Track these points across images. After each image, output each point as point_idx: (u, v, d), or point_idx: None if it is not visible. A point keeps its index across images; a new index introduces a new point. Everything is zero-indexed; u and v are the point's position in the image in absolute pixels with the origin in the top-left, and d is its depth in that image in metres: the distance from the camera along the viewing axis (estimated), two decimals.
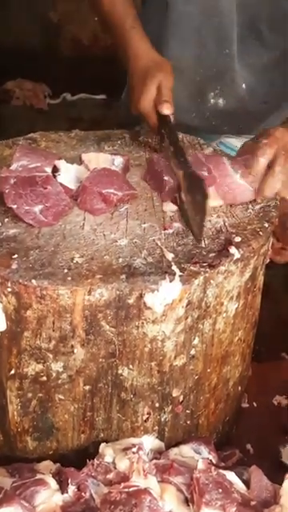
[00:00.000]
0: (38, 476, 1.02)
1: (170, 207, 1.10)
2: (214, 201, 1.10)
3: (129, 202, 1.12)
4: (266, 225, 1.06)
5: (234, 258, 0.99)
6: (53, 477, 1.03)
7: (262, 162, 1.09)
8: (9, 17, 3.38)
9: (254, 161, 1.09)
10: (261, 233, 1.04)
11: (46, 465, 1.07)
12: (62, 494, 1.00)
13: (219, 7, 1.38)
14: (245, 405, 1.37)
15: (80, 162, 1.21)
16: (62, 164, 1.15)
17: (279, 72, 1.46)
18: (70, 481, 1.01)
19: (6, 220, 1.06)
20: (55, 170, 1.13)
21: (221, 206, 1.12)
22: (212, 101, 1.50)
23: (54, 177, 1.11)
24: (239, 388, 1.22)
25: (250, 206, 1.12)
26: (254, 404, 1.39)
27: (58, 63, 3.33)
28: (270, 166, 1.09)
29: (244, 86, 1.49)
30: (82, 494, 1.00)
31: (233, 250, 0.99)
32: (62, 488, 1.01)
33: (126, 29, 1.34)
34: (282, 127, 1.14)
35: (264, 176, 1.09)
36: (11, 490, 0.99)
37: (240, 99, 1.50)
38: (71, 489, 1.00)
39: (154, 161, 1.18)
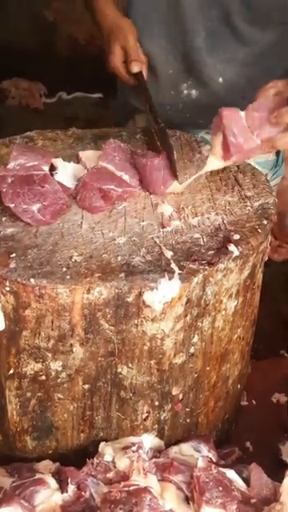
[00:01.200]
0: (38, 476, 1.02)
1: (166, 208, 1.10)
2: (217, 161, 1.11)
3: (126, 199, 1.12)
4: (265, 222, 1.06)
5: (233, 256, 0.99)
6: (52, 476, 1.03)
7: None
8: (4, 16, 3.37)
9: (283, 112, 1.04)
10: (259, 230, 1.04)
11: (46, 464, 1.07)
12: (62, 493, 1.00)
13: (181, 1, 1.41)
14: (244, 403, 1.37)
15: (77, 160, 1.20)
16: (59, 162, 1.14)
17: (260, 68, 1.45)
18: (69, 480, 1.01)
19: (4, 219, 1.06)
20: (52, 168, 1.13)
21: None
22: (185, 92, 1.51)
23: (52, 175, 1.10)
24: (238, 386, 1.22)
25: (249, 204, 1.12)
26: (253, 402, 1.39)
27: (53, 62, 3.32)
28: None
29: (221, 79, 1.48)
30: (82, 493, 1.00)
31: (232, 247, 0.99)
32: (62, 487, 1.01)
33: (94, 2, 1.49)
34: None
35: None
36: (10, 489, 0.99)
37: (215, 93, 1.50)
38: (71, 488, 1.00)
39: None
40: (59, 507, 0.98)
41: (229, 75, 1.48)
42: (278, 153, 1.59)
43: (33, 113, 3.30)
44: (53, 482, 1.01)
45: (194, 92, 1.50)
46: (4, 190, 1.05)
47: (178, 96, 1.51)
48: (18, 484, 1.01)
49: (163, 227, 1.04)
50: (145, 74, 1.41)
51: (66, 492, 1.00)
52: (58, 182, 1.10)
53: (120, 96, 1.70)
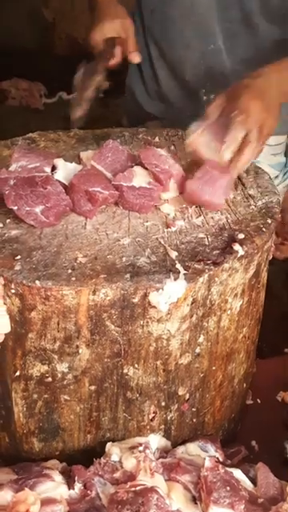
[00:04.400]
0: (44, 471, 1.02)
1: (169, 208, 1.10)
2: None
3: (112, 204, 1.10)
4: (269, 221, 1.06)
5: (238, 255, 0.99)
6: (60, 473, 1.03)
7: (238, 137, 1.07)
8: (3, 16, 3.37)
9: (231, 136, 1.07)
10: (264, 229, 1.04)
11: (53, 463, 1.07)
12: (69, 490, 1.00)
13: (196, 6, 1.40)
14: (249, 402, 1.37)
15: (79, 160, 1.20)
16: (60, 163, 1.14)
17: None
18: (76, 478, 1.01)
19: (8, 221, 1.06)
20: (54, 169, 1.13)
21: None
22: (204, 97, 1.50)
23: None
24: (244, 385, 1.22)
25: (252, 203, 1.11)
26: (258, 401, 1.39)
27: (53, 62, 3.32)
28: (244, 142, 1.07)
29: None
30: (88, 492, 1.00)
31: (236, 246, 0.99)
32: (69, 485, 1.00)
33: None
34: (254, 100, 1.10)
35: (239, 151, 1.07)
36: (9, 482, 0.98)
37: None
38: (77, 486, 1.00)
39: None
40: (64, 500, 0.97)
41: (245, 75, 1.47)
42: (286, 154, 1.59)
43: (33, 113, 3.29)
44: (59, 477, 1.01)
45: (212, 96, 1.49)
46: (7, 192, 1.04)
47: (198, 102, 1.49)
48: (21, 477, 1.00)
49: (167, 227, 1.04)
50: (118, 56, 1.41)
51: (73, 489, 1.00)
52: (60, 183, 1.09)
53: (130, 102, 1.68)
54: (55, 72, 3.29)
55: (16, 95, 3.36)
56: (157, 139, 1.33)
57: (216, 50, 1.44)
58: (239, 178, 1.20)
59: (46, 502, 0.95)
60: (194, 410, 1.09)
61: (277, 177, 1.54)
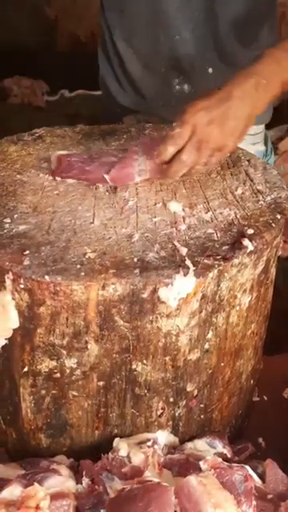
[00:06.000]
0: (52, 466, 1.01)
1: (176, 206, 1.09)
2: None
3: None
4: (279, 216, 1.06)
5: (248, 251, 0.98)
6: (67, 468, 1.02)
7: (170, 151, 1.10)
8: (5, 14, 3.36)
9: (162, 148, 1.10)
10: (273, 224, 1.04)
11: (61, 459, 1.06)
12: (77, 484, 0.99)
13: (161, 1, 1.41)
14: (255, 398, 1.37)
15: None
16: None
17: (249, 41, 1.45)
18: (84, 473, 1.00)
19: (16, 216, 1.05)
20: None
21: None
22: (177, 87, 1.51)
23: None
24: (251, 381, 1.21)
25: (261, 198, 1.11)
26: (265, 397, 1.38)
27: (55, 60, 3.32)
28: (179, 153, 1.10)
29: (210, 70, 1.48)
30: (96, 486, 0.99)
31: (246, 242, 0.98)
32: (77, 479, 1.00)
33: None
34: (202, 109, 1.10)
35: (171, 161, 1.11)
36: (19, 477, 0.98)
37: (207, 85, 1.49)
38: (85, 481, 1.00)
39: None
40: (72, 494, 0.97)
41: (218, 64, 1.47)
42: (266, 143, 1.59)
43: (35, 111, 3.29)
44: (67, 472, 1.01)
45: (186, 87, 1.50)
46: None
47: (171, 92, 1.50)
48: (29, 472, 1.00)
49: (176, 227, 1.03)
50: None
51: (81, 484, 0.99)
52: None
53: (105, 96, 1.68)
54: (57, 70, 3.29)
55: (18, 93, 3.36)
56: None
57: (185, 40, 1.44)
58: (247, 173, 1.20)
59: (55, 496, 0.95)
60: (202, 406, 1.09)
61: None
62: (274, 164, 1.61)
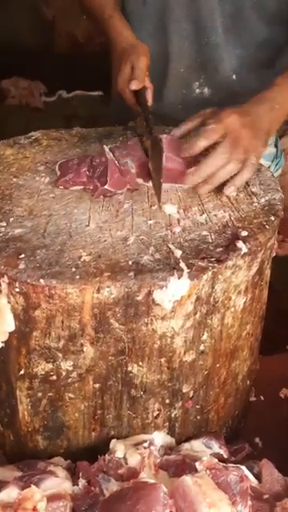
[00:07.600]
0: (49, 468, 1.02)
1: (171, 209, 1.10)
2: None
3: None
4: (272, 218, 1.06)
5: (242, 253, 0.99)
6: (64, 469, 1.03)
7: (202, 144, 1.11)
8: (3, 15, 3.36)
9: (193, 141, 1.11)
10: (267, 226, 1.04)
11: (58, 460, 1.07)
12: (73, 486, 1.00)
13: None
14: (252, 399, 1.37)
15: None
16: None
17: (268, 63, 1.46)
18: (81, 474, 1.01)
19: (12, 219, 1.06)
20: None
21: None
22: (197, 91, 1.51)
23: None
24: (248, 382, 1.22)
25: (255, 200, 1.12)
26: (261, 397, 1.39)
27: (53, 61, 3.32)
28: (208, 152, 1.11)
29: (234, 77, 1.49)
30: (92, 488, 1.00)
31: (240, 244, 0.99)
32: (73, 481, 1.01)
33: (105, 18, 1.44)
34: (235, 113, 1.13)
35: (199, 162, 1.11)
36: (16, 479, 0.99)
37: (229, 89, 1.50)
38: (82, 482, 1.00)
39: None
40: (69, 496, 0.98)
41: (242, 72, 1.47)
42: (276, 145, 1.59)
43: (33, 112, 3.29)
44: (63, 473, 1.01)
45: (206, 90, 1.50)
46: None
47: (190, 95, 1.50)
48: (26, 474, 1.00)
49: (171, 230, 1.03)
50: (149, 98, 1.32)
51: (77, 485, 1.00)
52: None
53: (113, 103, 1.68)
54: (55, 70, 3.29)
55: (16, 94, 3.35)
56: None
57: (211, 44, 1.44)
58: None
59: (51, 498, 0.95)
60: (198, 407, 1.10)
61: (268, 167, 1.54)
62: (284, 166, 1.61)
